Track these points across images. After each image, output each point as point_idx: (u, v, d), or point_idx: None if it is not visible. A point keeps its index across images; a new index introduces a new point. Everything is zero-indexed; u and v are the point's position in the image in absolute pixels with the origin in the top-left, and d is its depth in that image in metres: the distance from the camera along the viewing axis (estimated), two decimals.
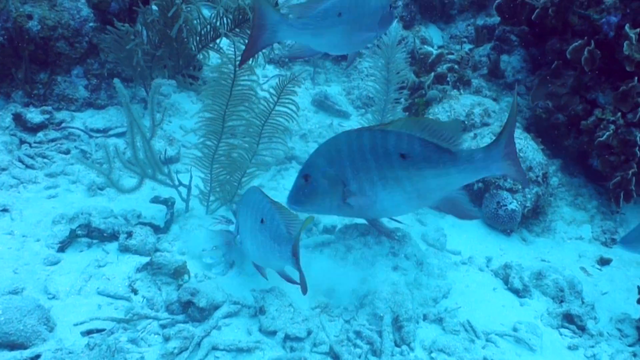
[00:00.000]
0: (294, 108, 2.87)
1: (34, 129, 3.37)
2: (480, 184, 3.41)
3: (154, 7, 3.67)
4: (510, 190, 3.38)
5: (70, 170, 3.17)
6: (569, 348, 2.67)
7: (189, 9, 3.58)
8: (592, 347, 2.72)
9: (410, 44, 4.72)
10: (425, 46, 4.68)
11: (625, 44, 3.33)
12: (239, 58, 2.61)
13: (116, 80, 2.65)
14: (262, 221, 2.13)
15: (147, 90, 3.75)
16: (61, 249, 2.63)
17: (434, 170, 2.30)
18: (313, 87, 4.60)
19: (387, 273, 2.64)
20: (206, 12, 3.83)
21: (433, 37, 5.05)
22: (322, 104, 4.33)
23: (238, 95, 2.74)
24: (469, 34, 5.09)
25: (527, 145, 3.45)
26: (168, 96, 3.93)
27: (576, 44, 3.53)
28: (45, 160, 3.21)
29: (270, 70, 4.56)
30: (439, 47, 5.01)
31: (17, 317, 2.09)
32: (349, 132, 2.42)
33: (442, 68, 3.98)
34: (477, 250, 3.23)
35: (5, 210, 2.81)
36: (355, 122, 4.36)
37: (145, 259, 2.61)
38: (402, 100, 4.13)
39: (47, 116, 3.41)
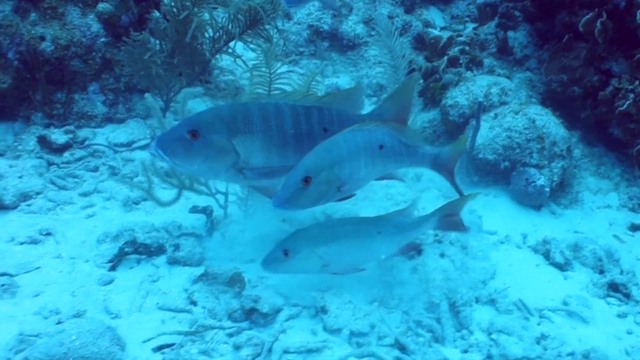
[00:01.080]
0: None
1: (60, 149, 3.36)
2: (506, 163, 3.44)
3: (159, 15, 3.67)
4: (536, 167, 3.42)
5: (102, 187, 3.18)
6: (619, 316, 2.73)
7: (200, 13, 3.56)
8: None
9: (415, 29, 4.74)
10: (430, 29, 4.70)
11: (638, 13, 3.38)
12: (272, 60, 2.65)
13: (147, 95, 2.67)
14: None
15: (164, 99, 3.75)
16: (112, 268, 2.64)
17: None
18: (322, 80, 4.61)
19: (436, 260, 2.69)
20: (217, 15, 3.81)
21: (435, 19, 5.07)
22: None
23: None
24: (470, 13, 5.10)
25: (549, 121, 3.49)
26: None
27: (588, 16, 3.57)
28: (76, 179, 3.21)
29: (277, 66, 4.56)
30: (442, 28, 5.03)
31: (91, 340, 2.11)
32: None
33: (454, 51, 4.01)
34: (512, 228, 3.27)
35: (48, 234, 2.81)
36: (369, 110, 4.38)
37: (195, 270, 2.64)
38: None
39: (70, 135, 3.40)
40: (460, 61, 4.01)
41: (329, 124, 2.43)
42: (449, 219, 2.53)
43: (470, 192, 2.56)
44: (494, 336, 2.43)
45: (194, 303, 2.46)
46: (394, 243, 2.47)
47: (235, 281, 2.51)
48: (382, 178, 2.58)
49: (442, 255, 2.72)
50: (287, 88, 2.85)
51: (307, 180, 2.21)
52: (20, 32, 3.37)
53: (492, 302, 2.64)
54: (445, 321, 2.45)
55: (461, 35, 4.23)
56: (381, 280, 2.66)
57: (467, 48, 4.06)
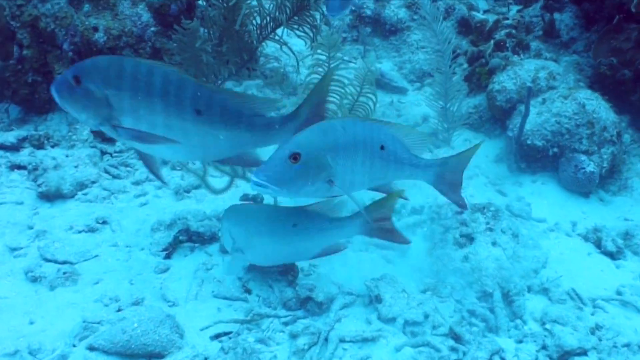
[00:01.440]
0: (373, 98, 2.91)
1: (112, 138, 3.42)
2: (555, 149, 3.41)
3: (203, 3, 3.69)
4: (586, 153, 3.37)
5: (153, 175, 3.23)
6: None
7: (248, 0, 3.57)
8: None
9: (458, 12, 4.68)
10: (473, 12, 4.64)
11: None
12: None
13: None
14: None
15: None
16: (167, 256, 2.70)
17: None
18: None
19: (488, 249, 2.68)
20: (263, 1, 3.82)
21: (478, 1, 5.00)
22: (379, 82, 4.32)
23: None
24: None
25: (599, 106, 3.43)
26: None
27: None
28: (129, 168, 3.29)
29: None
30: (485, 11, 4.96)
31: (152, 328, 2.17)
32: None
33: (500, 35, 3.95)
34: (560, 216, 3.25)
35: (104, 222, 2.88)
36: (413, 97, 4.37)
37: None
38: (457, 69, 4.13)
39: None
40: (507, 45, 3.96)
41: (205, 106, 2.16)
42: (378, 224, 2.32)
43: (394, 192, 2.30)
44: (548, 326, 2.42)
45: (248, 291, 2.51)
46: (313, 241, 2.30)
47: (288, 270, 2.54)
48: (377, 189, 2.33)
49: (493, 243, 2.71)
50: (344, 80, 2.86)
51: (295, 157, 1.99)
52: (75, 24, 3.44)
53: (544, 291, 2.64)
54: (498, 311, 2.46)
55: (507, 19, 4.16)
56: (432, 269, 2.67)
57: (513, 31, 4.00)
